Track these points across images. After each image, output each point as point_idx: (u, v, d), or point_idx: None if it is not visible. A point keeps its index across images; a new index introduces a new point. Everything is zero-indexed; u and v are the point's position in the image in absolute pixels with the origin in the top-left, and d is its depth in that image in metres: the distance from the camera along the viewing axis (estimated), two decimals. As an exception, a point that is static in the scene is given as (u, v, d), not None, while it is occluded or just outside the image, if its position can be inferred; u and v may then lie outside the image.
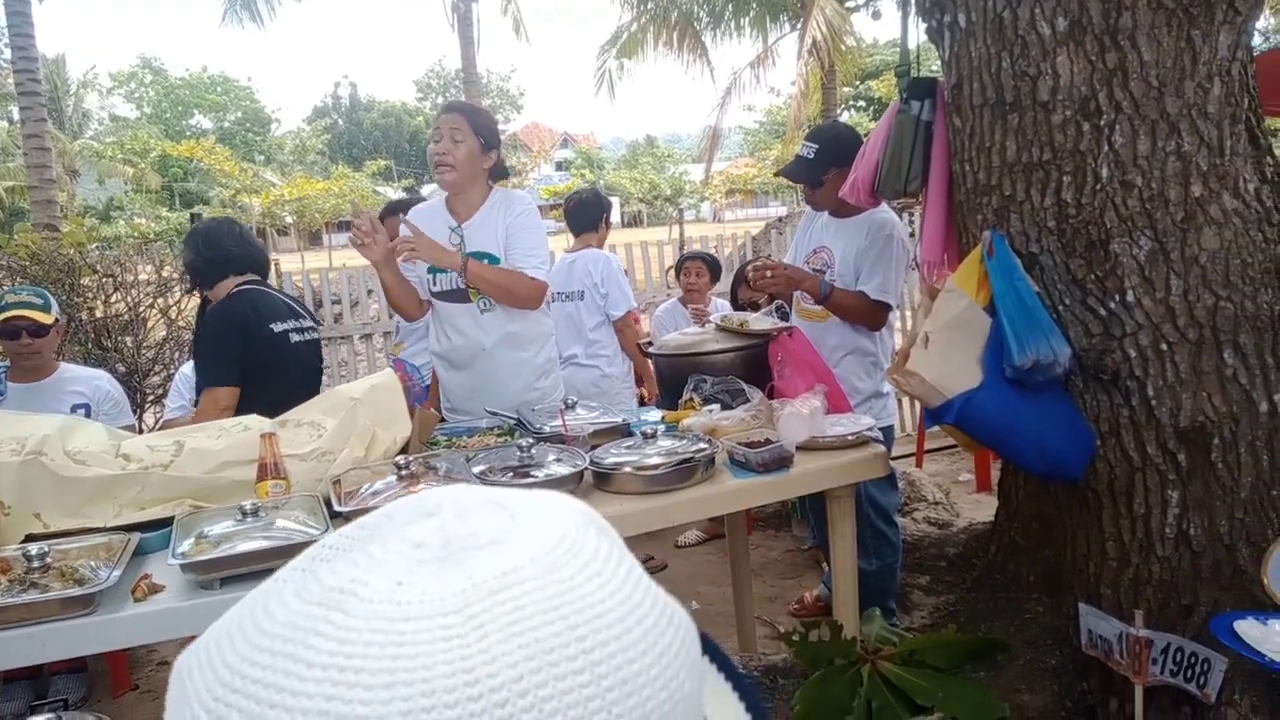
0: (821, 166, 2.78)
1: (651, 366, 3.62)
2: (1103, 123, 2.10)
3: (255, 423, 2.18)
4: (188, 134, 38.21)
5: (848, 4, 15.19)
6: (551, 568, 0.33)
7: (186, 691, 0.33)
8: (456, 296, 2.71)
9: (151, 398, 4.14)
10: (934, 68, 2.90)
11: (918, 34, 2.64)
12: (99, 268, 4.28)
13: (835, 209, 2.86)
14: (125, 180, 28.44)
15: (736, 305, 4.00)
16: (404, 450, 2.25)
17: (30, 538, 1.83)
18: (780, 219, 11.96)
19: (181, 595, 1.67)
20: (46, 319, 2.93)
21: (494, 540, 0.34)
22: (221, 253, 2.74)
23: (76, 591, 1.58)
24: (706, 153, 20.66)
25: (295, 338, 2.76)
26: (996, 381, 2.08)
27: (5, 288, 3.36)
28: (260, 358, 2.64)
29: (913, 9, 2.62)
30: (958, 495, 4.49)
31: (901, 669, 2.28)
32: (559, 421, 2.45)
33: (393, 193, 40.37)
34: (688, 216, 41.14)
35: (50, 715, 2.26)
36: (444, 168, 2.63)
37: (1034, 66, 2.15)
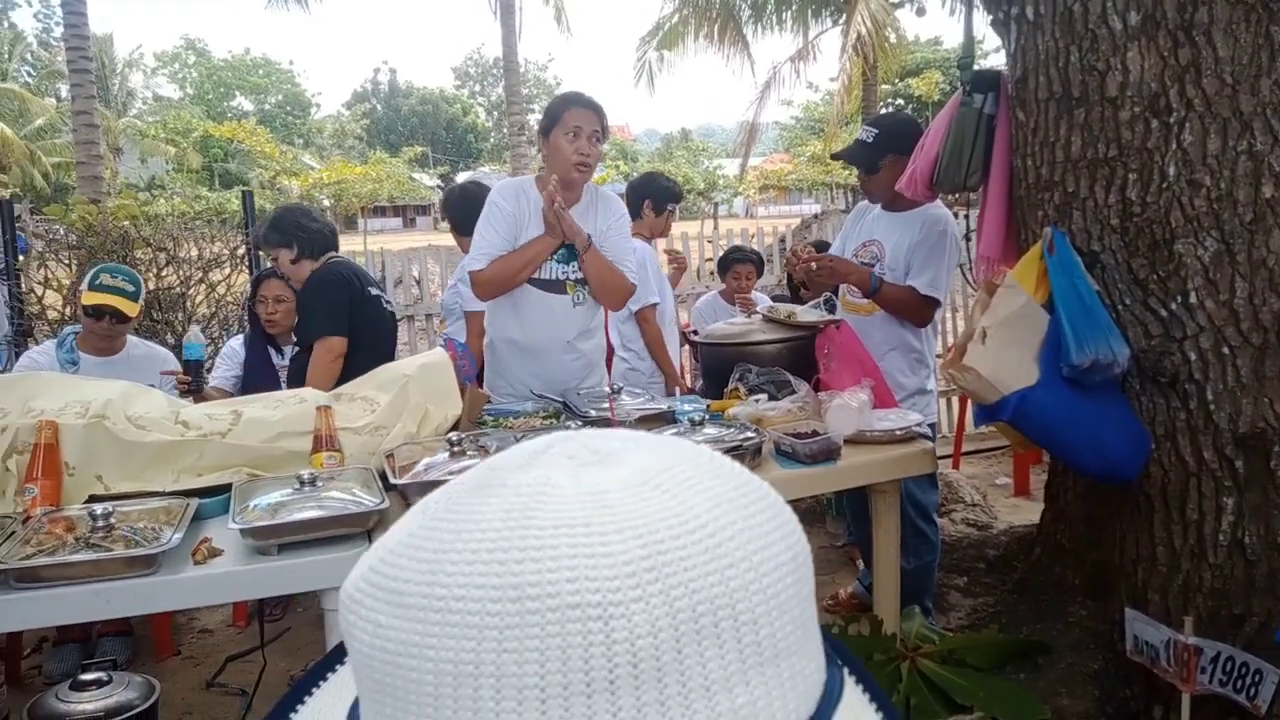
0: (879, 152, 2.76)
1: (680, 359, 3.61)
2: (1172, 120, 2.06)
3: (311, 395, 2.22)
4: (229, 115, 38.71)
5: (892, -1, 15.05)
6: (691, 455, 0.40)
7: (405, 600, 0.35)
8: (554, 287, 2.70)
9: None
10: (984, 62, 2.86)
11: (980, 26, 2.60)
12: (152, 241, 4.35)
13: (888, 201, 2.82)
14: (167, 159, 28.85)
15: (793, 290, 3.98)
16: (454, 428, 2.27)
17: (93, 498, 1.88)
18: (816, 216, 11.90)
19: (240, 560, 1.70)
20: (133, 310, 2.98)
21: (629, 449, 0.39)
22: (324, 227, 3.01)
23: (141, 551, 1.61)
24: (742, 147, 20.58)
25: (386, 305, 3.06)
26: (1053, 380, 2.05)
27: (100, 264, 3.38)
28: (362, 315, 2.89)
29: (978, 1, 2.59)
30: (995, 498, 4.44)
31: (941, 667, 2.27)
32: (605, 406, 2.46)
33: (428, 179, 40.60)
34: (720, 212, 41.02)
35: (100, 674, 2.32)
36: (584, 168, 2.61)
37: (1103, 61, 2.12)
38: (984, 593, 3.24)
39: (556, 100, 2.74)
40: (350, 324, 2.83)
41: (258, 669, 2.91)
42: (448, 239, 3.84)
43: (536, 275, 2.69)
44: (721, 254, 4.72)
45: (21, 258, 4.28)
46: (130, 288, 2.98)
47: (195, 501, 1.86)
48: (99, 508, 1.72)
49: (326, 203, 29.56)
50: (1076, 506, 2.66)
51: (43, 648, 3.00)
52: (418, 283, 6.91)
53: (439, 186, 45.57)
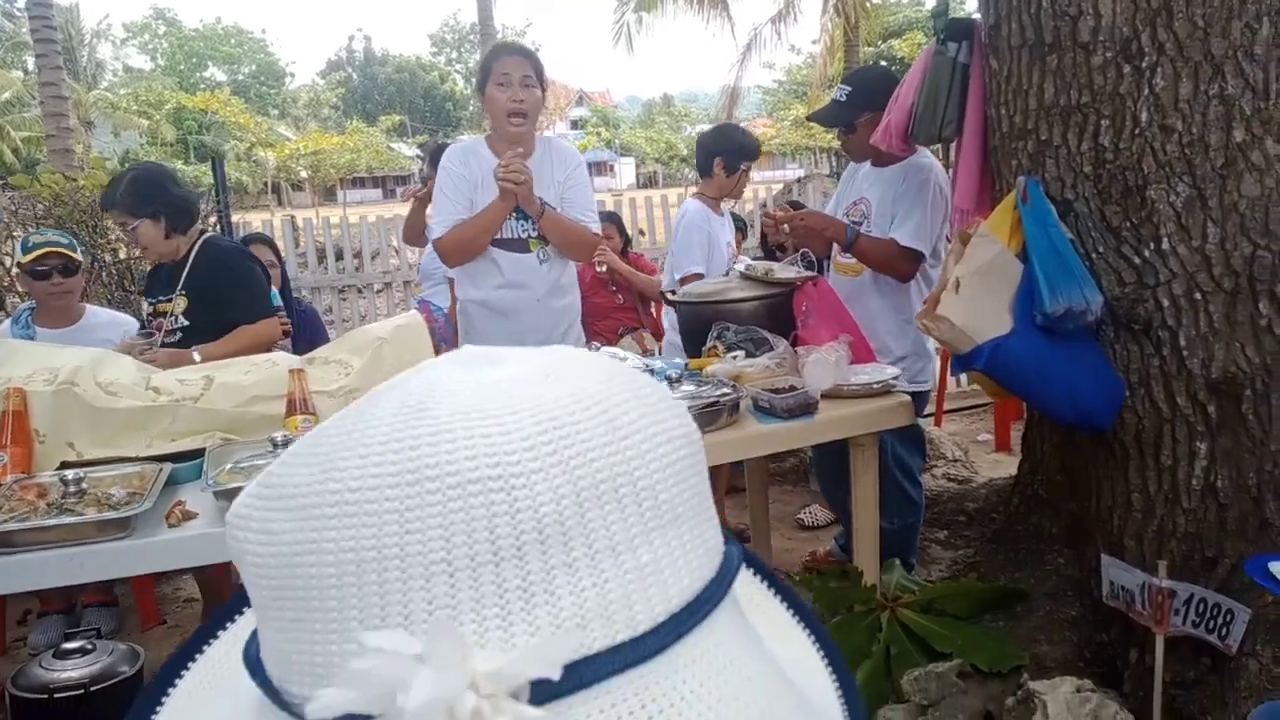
0: (854, 110, 2.72)
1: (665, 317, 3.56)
2: (1144, 65, 2.05)
3: (284, 359, 2.20)
4: (202, 87, 38.05)
5: (873, -42, 14.90)
6: (583, 353, 0.40)
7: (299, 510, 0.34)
8: (516, 246, 2.67)
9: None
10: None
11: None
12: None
13: (875, 158, 2.79)
14: (140, 133, 28.39)
15: (767, 252, 3.97)
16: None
17: (65, 465, 1.86)
18: (798, 179, 11.85)
19: (213, 522, 1.69)
20: (75, 255, 2.94)
21: (520, 353, 0.39)
22: (192, 196, 2.87)
23: (113, 515, 1.60)
24: (724, 112, 20.42)
25: None
26: (1027, 328, 2.06)
27: (29, 231, 3.36)
28: None
29: (950, -50, 2.56)
30: (976, 455, 4.49)
31: (920, 616, 2.30)
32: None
33: (407, 149, 40.14)
34: (703, 177, 40.73)
35: (84, 642, 2.32)
36: (518, 117, 2.56)
37: (1074, 6, 2.10)
38: (964, 545, 3.29)
39: (487, 55, 2.75)
40: None
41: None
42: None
43: (498, 235, 2.67)
44: None
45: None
46: (63, 240, 2.95)
47: (168, 466, 1.85)
48: (70, 473, 1.71)
49: (304, 174, 29.26)
50: (1053, 456, 2.69)
51: (27, 619, 3.00)
52: (396, 251, 6.88)
53: (418, 156, 45.09)
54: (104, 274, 4.09)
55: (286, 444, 1.82)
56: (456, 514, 0.32)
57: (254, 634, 0.39)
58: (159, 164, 2.95)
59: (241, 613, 0.47)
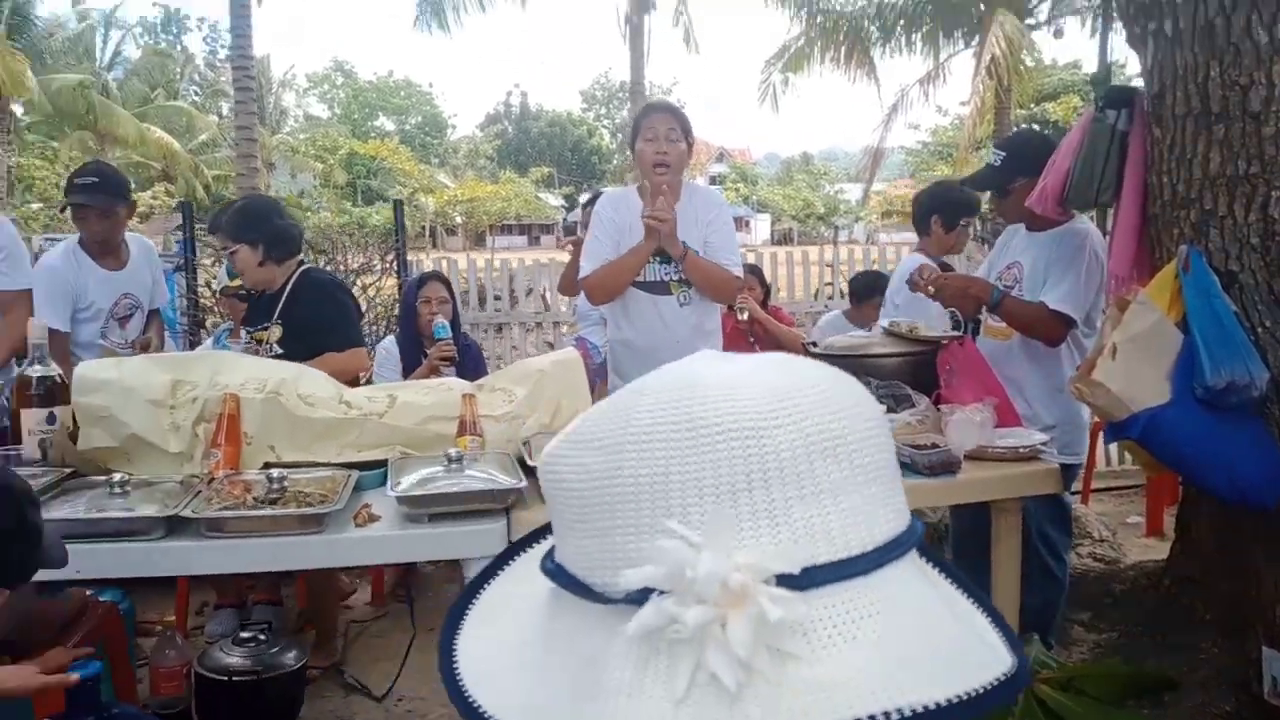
0: (1008, 174, 2.74)
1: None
2: (1321, 137, 2.01)
3: (457, 384, 2.41)
4: (372, 135, 41.00)
5: (1028, 21, 14.62)
6: (802, 358, 0.51)
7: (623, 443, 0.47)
8: (658, 289, 2.81)
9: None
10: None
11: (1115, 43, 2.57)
12: (314, 245, 4.75)
13: (1030, 222, 2.78)
14: (314, 175, 30.80)
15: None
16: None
17: (267, 465, 2.10)
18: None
19: (395, 525, 1.88)
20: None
21: (748, 356, 0.52)
22: (295, 229, 2.99)
23: (311, 510, 1.81)
24: (865, 172, 20.29)
25: None
26: (1186, 400, 2.02)
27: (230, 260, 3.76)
28: None
29: (1116, 18, 2.57)
30: (1125, 537, 4.26)
31: (1060, 694, 2.24)
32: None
33: (553, 198, 41.74)
34: (840, 237, 40.46)
35: (257, 633, 2.57)
36: (662, 168, 2.73)
37: (1246, 76, 2.08)
38: (1108, 628, 3.14)
39: (637, 114, 2.94)
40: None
41: (387, 642, 3.14)
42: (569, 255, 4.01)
43: (641, 278, 2.81)
44: (855, 277, 4.73)
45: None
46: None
47: (356, 473, 2.06)
48: (274, 472, 1.93)
49: (459, 219, 30.91)
50: (1209, 536, 2.58)
51: (204, 611, 3.31)
52: (543, 294, 7.25)
53: (563, 206, 46.75)
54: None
55: (460, 459, 2.00)
56: (721, 453, 0.44)
57: (549, 553, 0.53)
58: (268, 196, 3.22)
59: (498, 572, 0.62)
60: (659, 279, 2.81)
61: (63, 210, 3.27)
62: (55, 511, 1.79)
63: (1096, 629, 3.15)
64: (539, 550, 0.60)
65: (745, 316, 4.15)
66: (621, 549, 0.46)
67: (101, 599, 2.21)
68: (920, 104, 16.69)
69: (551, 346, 6.51)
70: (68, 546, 1.72)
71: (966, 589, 0.54)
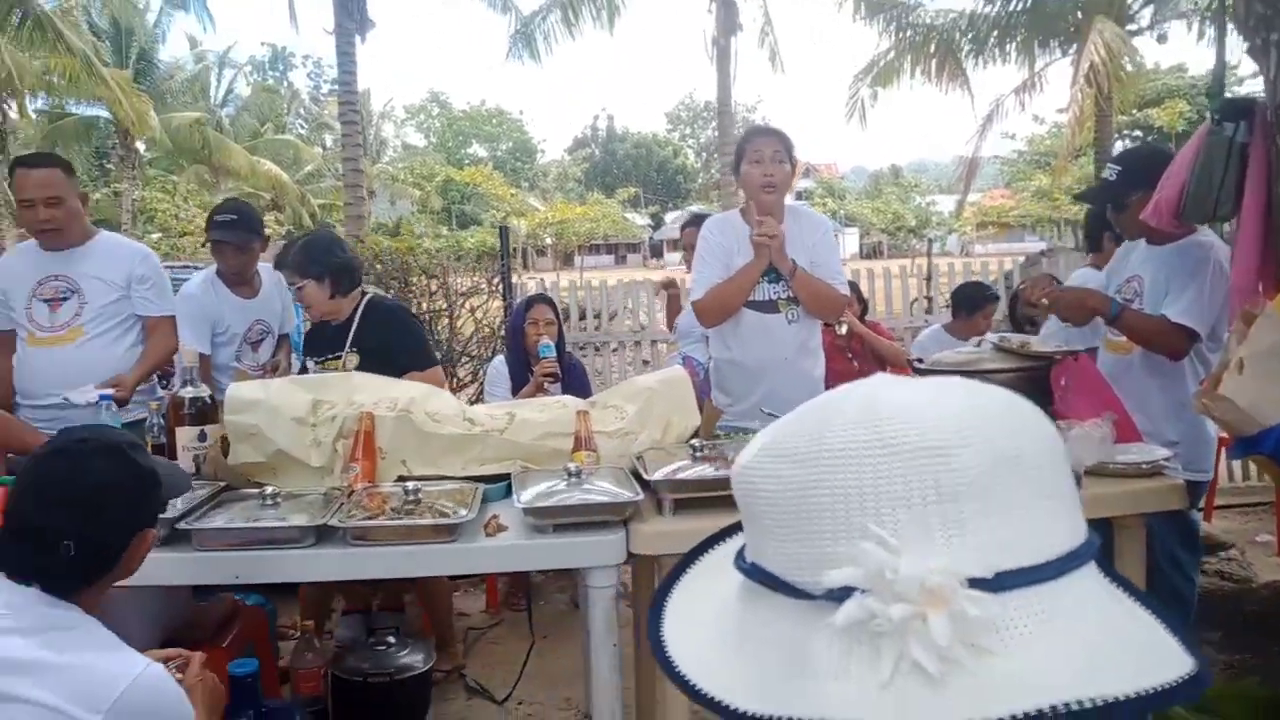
0: (1124, 188, 2.69)
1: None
2: None
3: (571, 402, 2.50)
4: (466, 161, 42.34)
5: (1129, 26, 14.10)
6: (974, 382, 0.57)
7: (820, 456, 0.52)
8: (766, 307, 2.85)
9: (461, 384, 4.75)
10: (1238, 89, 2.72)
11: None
12: (426, 270, 4.99)
13: (1149, 236, 2.72)
14: (412, 201, 31.95)
15: (1015, 324, 3.91)
16: (693, 437, 2.47)
17: (400, 479, 2.23)
18: (1042, 252, 11.30)
19: (521, 535, 1.97)
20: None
21: (914, 381, 0.57)
22: (355, 261, 3.09)
23: (446, 521, 1.92)
24: (959, 183, 19.84)
25: None
26: (1321, 414, 1.95)
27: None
28: None
29: (1232, 28, 2.51)
30: (1254, 556, 4.07)
31: (1193, 714, 2.17)
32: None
33: (639, 218, 42.19)
34: (933, 249, 39.60)
35: (389, 637, 2.71)
36: (770, 189, 2.78)
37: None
38: (1241, 649, 3.02)
39: (741, 138, 2.97)
40: None
41: (503, 649, 3.25)
42: (656, 273, 4.10)
43: (750, 297, 2.84)
44: (959, 289, 4.67)
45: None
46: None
47: (482, 486, 2.16)
48: (410, 485, 2.05)
49: (548, 241, 31.57)
50: (1350, 557, 2.46)
51: (332, 616, 3.49)
52: (638, 314, 7.39)
53: (649, 225, 47.13)
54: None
55: (579, 474, 2.09)
56: (912, 469, 0.50)
57: (740, 553, 0.60)
58: (329, 231, 3.33)
59: (698, 557, 0.69)
60: (768, 298, 2.84)
61: (204, 245, 3.52)
62: (213, 521, 1.94)
63: (1228, 650, 3.03)
64: (719, 550, 0.67)
65: (844, 331, 4.15)
66: (822, 553, 0.52)
67: (248, 604, 2.38)
68: (1016, 112, 16.24)
69: (647, 364, 6.64)
70: (228, 555, 1.88)
71: (1141, 599, 0.57)
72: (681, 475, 2.09)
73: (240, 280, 3.48)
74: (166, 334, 3.13)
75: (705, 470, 2.11)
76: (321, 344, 3.01)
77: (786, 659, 0.53)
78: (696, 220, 3.74)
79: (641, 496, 2.01)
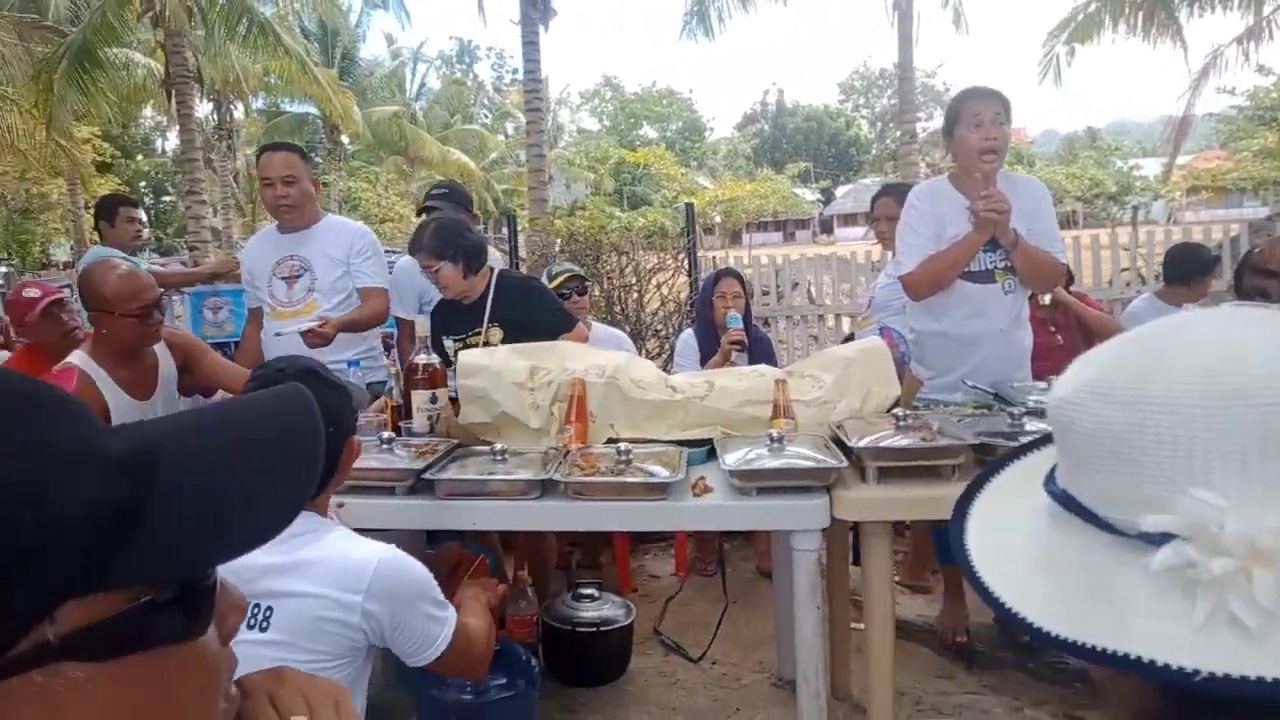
0: None
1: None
2: None
3: (769, 371, 2.56)
4: (636, 143, 43.02)
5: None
6: None
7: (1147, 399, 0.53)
8: (982, 277, 2.77)
9: (650, 356, 4.92)
10: None
11: None
12: (617, 247, 5.19)
13: None
14: (586, 185, 32.86)
15: (1242, 295, 3.61)
16: (893, 408, 2.47)
17: (610, 441, 2.38)
18: (1268, 218, 10.19)
19: (726, 496, 2.06)
20: (586, 280, 3.64)
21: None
22: (481, 241, 3.20)
23: (658, 479, 2.04)
24: (1166, 144, 18.16)
25: None
26: None
27: (552, 262, 4.19)
28: None
29: None
30: None
31: None
32: (1047, 396, 2.49)
33: (809, 194, 41.34)
34: (1137, 217, 36.48)
35: (592, 590, 2.88)
36: (990, 154, 2.68)
37: None
38: None
39: (954, 99, 2.83)
40: None
41: (692, 610, 3.37)
42: (827, 249, 4.03)
43: (967, 267, 2.76)
44: (1172, 253, 4.36)
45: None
46: (578, 268, 3.62)
47: (685, 449, 2.27)
48: (622, 445, 2.19)
49: (717, 219, 31.63)
50: None
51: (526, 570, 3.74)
52: (809, 290, 7.32)
53: (819, 200, 46.11)
54: (602, 297, 4.99)
55: (781, 440, 2.15)
56: (1251, 423, 0.50)
57: (1050, 476, 0.62)
58: (455, 216, 3.44)
59: (995, 473, 0.72)
60: (984, 267, 2.76)
61: (419, 214, 3.80)
62: (450, 473, 2.15)
63: None
64: (1018, 466, 0.71)
65: (1048, 301, 3.96)
66: (1142, 495, 0.52)
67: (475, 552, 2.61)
68: (1238, 64, 14.64)
69: (816, 340, 6.61)
70: (465, 504, 2.08)
71: None
72: (886, 443, 2.11)
73: None
74: (377, 300, 3.36)
75: (911, 439, 2.12)
76: (457, 322, 3.12)
77: (1096, 584, 0.55)
78: (892, 190, 3.67)
79: (845, 463, 2.05)
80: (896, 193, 3.50)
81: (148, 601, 0.43)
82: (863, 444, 2.09)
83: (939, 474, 2.09)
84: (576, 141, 44.06)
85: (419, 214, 3.82)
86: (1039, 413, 2.39)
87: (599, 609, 2.82)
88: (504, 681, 2.17)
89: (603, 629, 2.75)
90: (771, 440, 2.15)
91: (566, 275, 3.75)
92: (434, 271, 3.03)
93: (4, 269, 18.61)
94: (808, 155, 48.71)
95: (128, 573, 0.42)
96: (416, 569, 1.57)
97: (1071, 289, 4.36)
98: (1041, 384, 2.68)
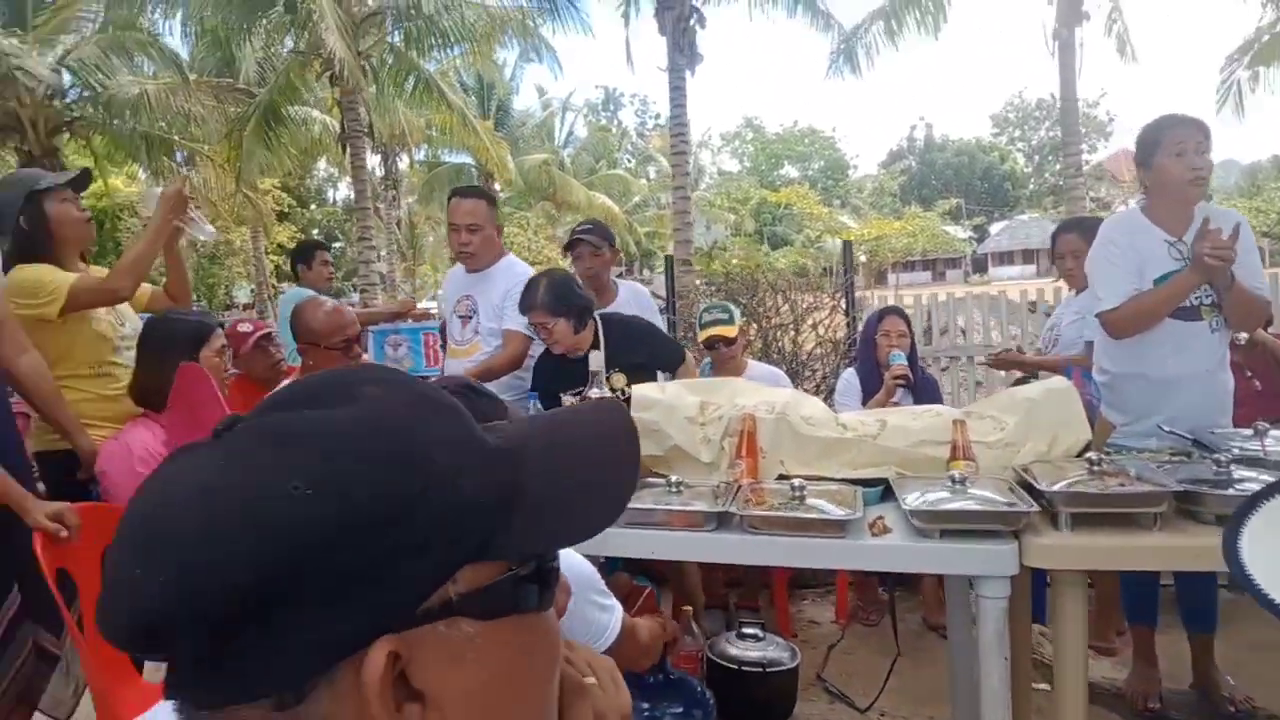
0: None
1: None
2: None
3: (946, 411, 2.48)
4: (777, 183, 42.95)
5: None
6: None
7: None
8: (1188, 314, 2.61)
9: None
10: None
11: None
12: (774, 285, 5.20)
13: None
14: (726, 226, 33.05)
15: None
16: (1082, 453, 2.34)
17: (780, 477, 2.36)
18: None
19: (906, 537, 2.00)
20: (731, 332, 3.62)
21: None
22: (589, 298, 3.26)
23: (839, 516, 2.00)
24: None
25: None
26: None
27: (704, 304, 4.24)
28: None
29: None
30: None
31: None
32: (1253, 443, 2.30)
33: (960, 231, 39.97)
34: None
35: (756, 630, 2.85)
36: (1199, 183, 2.55)
37: None
38: None
39: (1148, 128, 2.67)
40: None
41: (855, 659, 3.27)
42: (978, 289, 3.86)
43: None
44: None
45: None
46: (724, 316, 3.60)
47: (859, 488, 2.22)
48: (795, 481, 2.17)
49: (862, 258, 31.07)
50: None
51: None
52: (963, 331, 7.04)
53: (972, 238, 44.51)
54: (758, 334, 5.00)
55: (963, 481, 2.07)
56: None
57: None
58: (564, 270, 3.46)
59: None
60: (1190, 303, 2.60)
61: (566, 249, 3.92)
62: (633, 503, 2.19)
63: None
64: None
65: (1244, 341, 3.66)
66: None
67: (639, 584, 2.64)
68: None
69: (980, 384, 6.34)
70: (642, 533, 2.11)
71: None
72: (1081, 488, 1.99)
73: (596, 287, 3.78)
74: (514, 345, 3.40)
75: (1107, 485, 2.00)
76: (566, 379, 3.08)
77: None
78: (1075, 226, 3.51)
79: (1035, 508, 1.95)
80: (1081, 228, 3.35)
81: (516, 574, 0.51)
82: (1056, 488, 1.98)
83: (1138, 522, 1.95)
84: (717, 183, 44.47)
85: (566, 248, 3.93)
86: (1248, 460, 2.21)
87: (764, 649, 2.78)
88: (680, 710, 2.17)
89: (769, 670, 2.70)
90: (953, 481, 2.08)
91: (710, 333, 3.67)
92: (548, 329, 3.09)
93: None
94: (958, 191, 47.18)
95: (506, 548, 0.50)
96: (583, 561, 1.62)
97: (1270, 329, 4.02)
98: (1246, 430, 2.47)
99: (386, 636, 0.46)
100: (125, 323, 2.77)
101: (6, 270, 2.57)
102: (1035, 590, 2.56)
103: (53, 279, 2.52)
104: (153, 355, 2.54)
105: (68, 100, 13.90)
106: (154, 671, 2.30)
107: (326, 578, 0.44)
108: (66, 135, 13.88)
